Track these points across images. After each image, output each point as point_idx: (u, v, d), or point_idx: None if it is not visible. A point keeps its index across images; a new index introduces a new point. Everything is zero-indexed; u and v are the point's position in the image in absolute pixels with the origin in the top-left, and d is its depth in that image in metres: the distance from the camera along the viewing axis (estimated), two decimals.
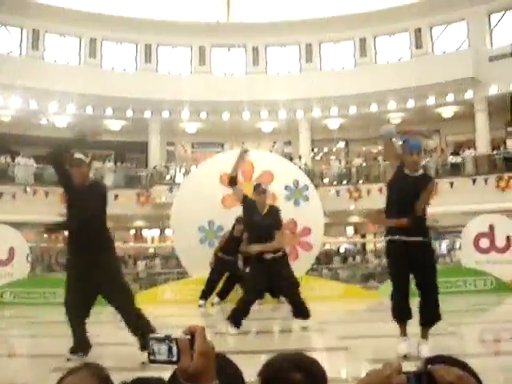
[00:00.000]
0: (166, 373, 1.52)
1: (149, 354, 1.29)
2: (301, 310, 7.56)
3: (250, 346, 6.93)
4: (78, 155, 5.77)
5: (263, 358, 1.70)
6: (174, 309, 11.08)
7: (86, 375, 1.59)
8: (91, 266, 5.59)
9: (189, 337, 1.27)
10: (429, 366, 1.25)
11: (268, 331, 7.56)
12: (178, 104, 24.53)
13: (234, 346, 6.87)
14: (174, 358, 1.27)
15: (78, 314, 5.74)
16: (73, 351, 5.62)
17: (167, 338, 1.28)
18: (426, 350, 5.22)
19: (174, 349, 1.27)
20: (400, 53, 25.85)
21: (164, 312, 10.98)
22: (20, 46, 24.63)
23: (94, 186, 6.01)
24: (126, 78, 24.74)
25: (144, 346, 5.37)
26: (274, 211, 7.55)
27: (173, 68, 26.67)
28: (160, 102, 24.44)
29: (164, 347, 1.28)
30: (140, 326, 5.52)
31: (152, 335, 1.31)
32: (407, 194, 5.51)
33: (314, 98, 24.27)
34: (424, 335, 5.47)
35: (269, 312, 10.20)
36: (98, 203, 5.83)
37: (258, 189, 7.49)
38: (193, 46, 26.79)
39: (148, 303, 11.64)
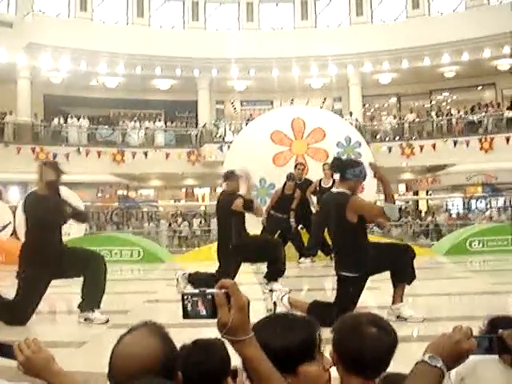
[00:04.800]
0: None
1: (184, 309, 1.28)
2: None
3: None
4: None
5: None
6: None
7: (146, 333, 1.60)
8: None
9: (224, 291, 1.26)
10: (500, 331, 1.25)
11: (320, 289, 7.55)
12: (226, 62, 24.37)
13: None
14: (210, 313, 1.27)
15: None
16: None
17: (203, 293, 1.27)
18: None
19: (210, 304, 1.26)
20: (454, 3, 24.92)
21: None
22: (68, 7, 24.75)
23: None
24: (173, 37, 24.68)
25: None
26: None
27: (220, 25, 26.41)
28: (208, 60, 24.33)
29: (199, 302, 1.27)
30: None
31: (186, 291, 1.29)
32: None
33: (364, 52, 23.73)
34: None
35: (321, 269, 10.18)
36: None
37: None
38: (240, 2, 26.41)
39: (203, 260, 11.82)
